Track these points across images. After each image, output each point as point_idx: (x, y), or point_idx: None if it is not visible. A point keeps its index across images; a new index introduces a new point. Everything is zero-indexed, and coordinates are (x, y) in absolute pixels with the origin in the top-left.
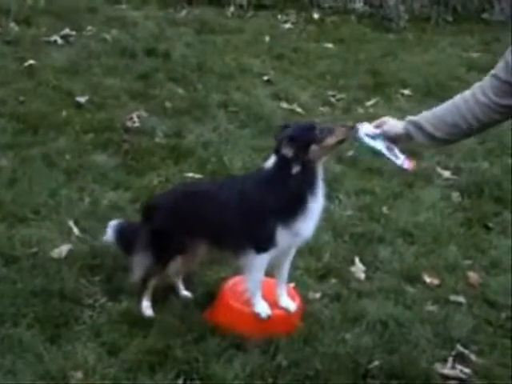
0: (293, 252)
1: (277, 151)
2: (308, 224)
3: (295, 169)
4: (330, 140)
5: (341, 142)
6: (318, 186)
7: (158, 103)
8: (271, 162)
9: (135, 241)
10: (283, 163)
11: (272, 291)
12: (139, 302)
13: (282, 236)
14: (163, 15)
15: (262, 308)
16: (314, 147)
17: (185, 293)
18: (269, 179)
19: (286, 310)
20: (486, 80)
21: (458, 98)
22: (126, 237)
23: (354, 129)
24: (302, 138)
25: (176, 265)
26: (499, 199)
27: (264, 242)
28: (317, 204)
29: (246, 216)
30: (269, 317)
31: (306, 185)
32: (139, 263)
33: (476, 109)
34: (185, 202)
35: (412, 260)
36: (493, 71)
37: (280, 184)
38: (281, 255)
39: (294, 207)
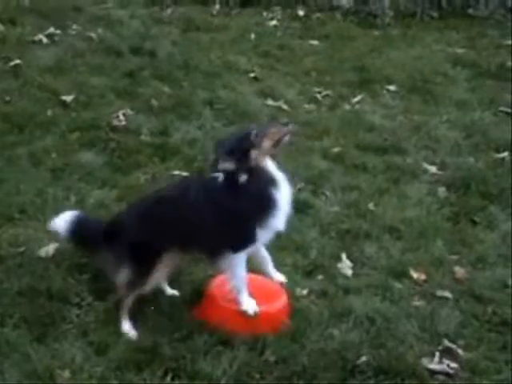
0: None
1: (217, 168)
2: (281, 215)
3: (242, 178)
4: (267, 143)
5: (279, 141)
6: (275, 179)
7: (144, 101)
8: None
9: (92, 239)
10: (229, 176)
11: (258, 288)
12: (120, 322)
13: (261, 234)
14: (149, 13)
15: (249, 305)
16: (253, 153)
17: (171, 292)
18: (228, 188)
19: (282, 283)
20: None
21: None
22: (80, 232)
23: (288, 125)
24: (239, 149)
25: (157, 274)
26: (485, 194)
27: (243, 243)
28: (282, 194)
29: (220, 221)
30: (256, 314)
31: (264, 183)
32: (120, 281)
33: None
34: (152, 212)
35: (399, 256)
36: None
37: (239, 191)
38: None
39: (263, 206)
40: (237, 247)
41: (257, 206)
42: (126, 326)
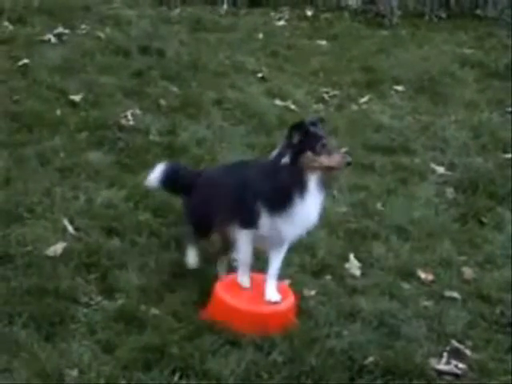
0: (283, 250)
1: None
2: (290, 225)
3: (284, 160)
4: (324, 160)
5: (330, 168)
6: (305, 192)
7: (153, 101)
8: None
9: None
10: (283, 150)
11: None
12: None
13: (263, 221)
14: (157, 13)
15: (244, 279)
16: (308, 154)
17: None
18: (265, 165)
19: (270, 302)
20: None
21: None
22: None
23: (349, 165)
24: (304, 140)
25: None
26: (493, 194)
27: (245, 220)
28: (303, 211)
29: (238, 195)
30: (249, 287)
31: (292, 185)
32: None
33: None
34: (211, 182)
35: (407, 256)
36: None
37: (272, 172)
38: (270, 249)
39: (277, 201)
40: (240, 222)
41: (272, 194)
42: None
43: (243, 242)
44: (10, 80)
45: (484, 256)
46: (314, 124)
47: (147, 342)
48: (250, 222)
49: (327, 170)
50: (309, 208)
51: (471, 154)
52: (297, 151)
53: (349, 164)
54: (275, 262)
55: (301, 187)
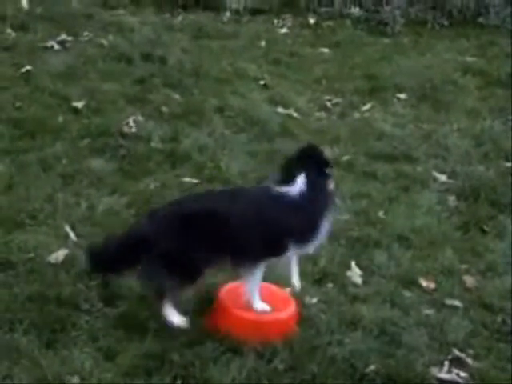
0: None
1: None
2: (315, 242)
3: (331, 184)
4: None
5: None
6: (329, 209)
7: (155, 108)
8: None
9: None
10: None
11: (267, 295)
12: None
13: (291, 251)
14: (159, 21)
15: (263, 305)
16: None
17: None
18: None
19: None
20: None
21: None
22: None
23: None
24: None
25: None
26: (495, 203)
27: (273, 252)
28: (325, 225)
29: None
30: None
31: (320, 212)
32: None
33: None
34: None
35: (408, 264)
36: None
37: (298, 203)
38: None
39: (308, 228)
40: (264, 255)
41: (303, 225)
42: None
43: (258, 272)
44: (13, 87)
45: (486, 264)
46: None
47: (148, 349)
48: (275, 252)
49: None
50: (328, 224)
51: (473, 162)
52: (323, 178)
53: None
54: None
55: (325, 211)
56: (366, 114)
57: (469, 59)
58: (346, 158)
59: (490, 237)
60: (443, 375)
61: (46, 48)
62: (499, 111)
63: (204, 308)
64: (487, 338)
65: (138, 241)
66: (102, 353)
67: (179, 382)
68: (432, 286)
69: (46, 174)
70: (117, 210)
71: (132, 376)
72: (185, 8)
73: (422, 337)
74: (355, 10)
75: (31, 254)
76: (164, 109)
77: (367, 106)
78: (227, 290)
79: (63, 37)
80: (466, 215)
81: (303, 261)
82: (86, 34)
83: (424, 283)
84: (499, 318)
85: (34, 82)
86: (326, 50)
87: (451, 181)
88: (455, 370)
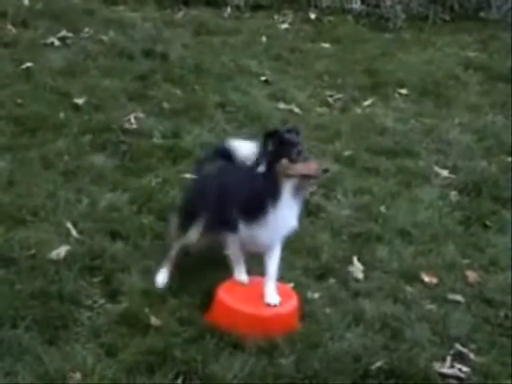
0: (276, 252)
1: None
2: (264, 232)
3: (260, 168)
4: (300, 168)
5: (308, 176)
6: (279, 200)
7: (156, 104)
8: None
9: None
10: (255, 163)
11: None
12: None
13: (242, 228)
14: (160, 16)
15: (241, 276)
16: (284, 162)
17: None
18: (244, 172)
19: (269, 305)
20: None
21: None
22: None
23: (326, 172)
24: (279, 148)
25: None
26: (497, 198)
27: (226, 225)
28: (277, 219)
29: (220, 201)
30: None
31: (266, 194)
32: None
33: None
34: (202, 181)
35: (410, 259)
36: None
37: (248, 180)
38: (263, 252)
39: (252, 209)
40: (222, 227)
41: (247, 202)
42: (160, 277)
43: (229, 244)
44: (14, 83)
45: (488, 259)
46: (289, 131)
47: (150, 345)
48: (230, 227)
49: (304, 178)
50: (283, 215)
51: (475, 157)
52: (272, 159)
53: (326, 171)
54: (271, 264)
55: (275, 195)
56: (368, 110)
57: (470, 54)
58: (347, 153)
59: (492, 232)
60: (445, 370)
61: (47, 44)
62: (501, 106)
63: (206, 304)
64: (489, 332)
65: None
66: (104, 349)
67: (181, 377)
68: (434, 280)
69: (48, 170)
70: (118, 206)
71: (134, 372)
72: (186, 4)
73: (424, 332)
74: (356, 5)
75: (33, 251)
76: (165, 105)
77: (369, 102)
78: (228, 285)
79: (64, 33)
80: (467, 210)
81: (305, 256)
82: (86, 30)
83: (426, 278)
84: (501, 313)
85: (35, 79)
86: (327, 46)
87: (453, 176)
88: (457, 365)
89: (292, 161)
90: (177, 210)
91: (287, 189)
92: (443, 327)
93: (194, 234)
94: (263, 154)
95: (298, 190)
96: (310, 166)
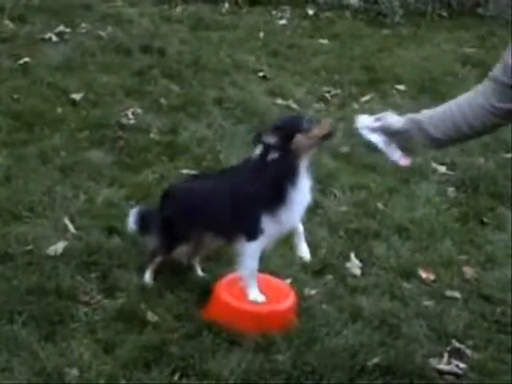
0: (300, 227)
1: (259, 140)
2: (290, 214)
3: (271, 156)
4: (317, 131)
5: (326, 136)
6: (299, 177)
7: (153, 100)
8: (257, 151)
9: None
10: (265, 151)
11: (266, 287)
12: (143, 273)
13: (267, 224)
14: (158, 12)
15: (256, 295)
16: (299, 136)
17: (200, 273)
18: (253, 168)
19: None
20: (487, 85)
21: (461, 101)
22: (145, 221)
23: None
24: (288, 127)
25: (181, 251)
26: (495, 194)
27: (251, 230)
28: (299, 196)
29: (236, 206)
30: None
31: (285, 175)
32: (150, 243)
33: (479, 114)
34: (189, 194)
35: (407, 255)
36: (492, 74)
37: (262, 172)
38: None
39: (274, 196)
40: (248, 234)
41: (268, 192)
42: (146, 275)
43: (250, 256)
44: (11, 79)
45: (485, 256)
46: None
47: (147, 341)
48: (255, 232)
49: (323, 140)
50: (304, 192)
51: (473, 153)
52: (284, 141)
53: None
54: (301, 240)
55: (294, 175)
56: (365, 106)
57: (468, 50)
58: (344, 149)
59: (489, 228)
60: (442, 366)
61: (44, 40)
62: None
63: (203, 300)
64: (486, 329)
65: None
66: (100, 345)
67: (178, 374)
68: (431, 277)
69: (45, 166)
70: (116, 202)
71: (131, 368)
72: None
73: (421, 328)
74: (354, 1)
75: (30, 247)
76: (163, 100)
77: (366, 98)
78: (226, 281)
79: (61, 28)
80: (465, 206)
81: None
82: (84, 25)
83: (423, 274)
84: (498, 309)
85: (32, 74)
86: (325, 42)
87: (451, 172)
88: (454, 362)
89: (306, 131)
90: (157, 224)
91: (303, 164)
92: (440, 323)
93: (183, 251)
94: (265, 148)
95: (308, 169)
96: (325, 125)
